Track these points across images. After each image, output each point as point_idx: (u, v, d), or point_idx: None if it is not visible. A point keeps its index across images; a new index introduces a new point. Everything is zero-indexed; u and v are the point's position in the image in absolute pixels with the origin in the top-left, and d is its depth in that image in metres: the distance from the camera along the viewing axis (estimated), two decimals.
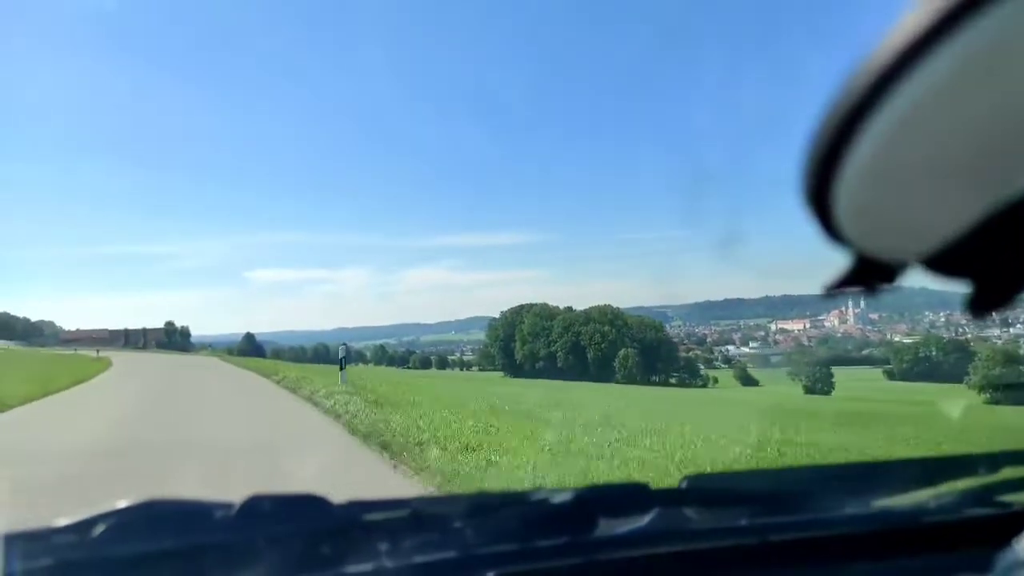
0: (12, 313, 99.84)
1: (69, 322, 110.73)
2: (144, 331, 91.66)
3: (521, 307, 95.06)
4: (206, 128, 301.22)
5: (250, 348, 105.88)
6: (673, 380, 75.97)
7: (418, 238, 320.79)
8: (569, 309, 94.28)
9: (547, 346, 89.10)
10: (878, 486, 1.33)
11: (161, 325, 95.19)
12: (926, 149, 0.46)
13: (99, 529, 0.90)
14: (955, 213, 0.50)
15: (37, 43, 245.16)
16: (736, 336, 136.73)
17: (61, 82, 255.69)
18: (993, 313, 0.59)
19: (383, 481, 6.37)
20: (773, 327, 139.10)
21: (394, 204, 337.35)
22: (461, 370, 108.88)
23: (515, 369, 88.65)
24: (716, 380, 76.68)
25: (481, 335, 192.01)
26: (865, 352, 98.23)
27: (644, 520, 1.11)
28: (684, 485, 1.22)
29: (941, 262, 0.56)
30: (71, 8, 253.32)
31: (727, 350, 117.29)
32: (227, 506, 0.96)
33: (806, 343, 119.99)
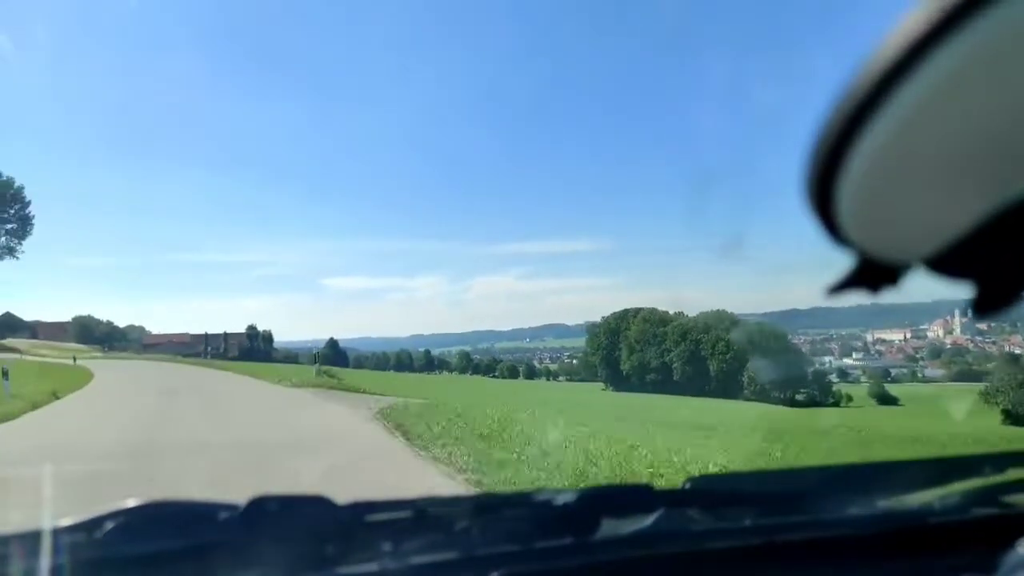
0: (95, 316, 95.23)
1: (157, 327, 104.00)
2: (225, 335, 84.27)
3: (626, 311, 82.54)
4: (286, 139, 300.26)
5: (334, 355, 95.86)
6: (800, 397, 61.28)
7: (489, 245, 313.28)
8: (680, 314, 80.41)
9: (660, 356, 75.45)
10: (882, 487, 1.31)
11: (243, 330, 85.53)
12: (929, 150, 0.45)
13: (105, 529, 0.90)
14: (958, 213, 0.50)
15: (128, 50, 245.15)
16: (834, 347, 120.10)
17: (152, 91, 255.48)
18: (997, 314, 0.58)
19: None
20: (869, 337, 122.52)
21: (465, 212, 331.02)
22: (548, 379, 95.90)
23: (620, 380, 76.15)
24: (850, 398, 61.76)
25: (556, 343, 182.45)
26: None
27: (648, 521, 1.09)
28: (688, 486, 1.22)
29: (944, 263, 0.55)
30: (155, 13, 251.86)
31: (826, 362, 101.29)
32: (232, 507, 0.96)
33: (912, 354, 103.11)
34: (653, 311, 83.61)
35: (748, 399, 56.85)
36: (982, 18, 0.38)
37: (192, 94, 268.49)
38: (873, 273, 0.58)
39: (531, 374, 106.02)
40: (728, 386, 65.99)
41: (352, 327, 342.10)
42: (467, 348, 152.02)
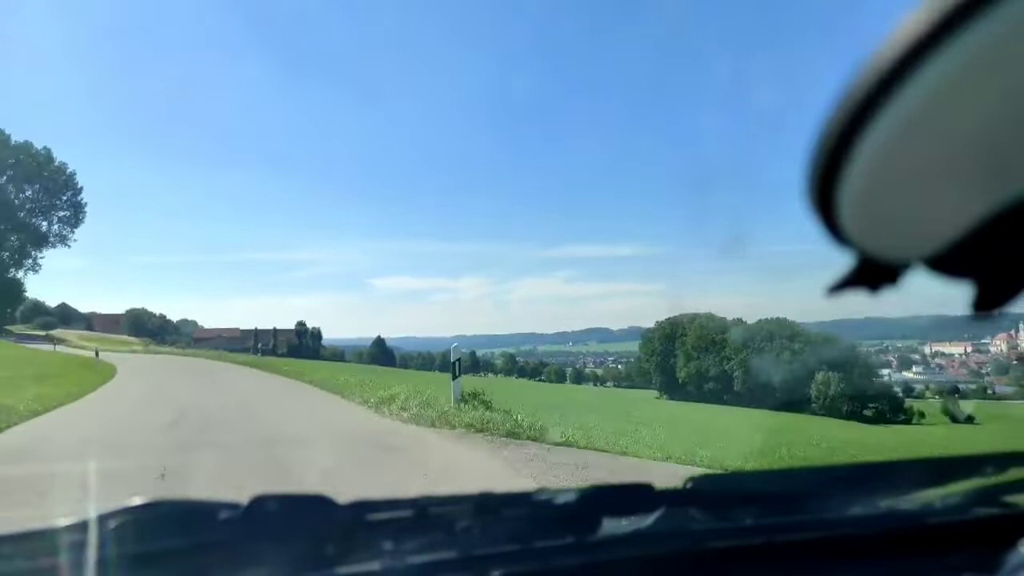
0: (149, 309, 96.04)
1: (210, 323, 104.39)
2: (274, 331, 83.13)
3: (681, 317, 78.42)
4: (339, 142, 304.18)
5: (380, 354, 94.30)
6: (869, 412, 56.74)
7: (534, 249, 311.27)
8: (739, 321, 76.20)
9: (719, 364, 71.25)
10: (884, 487, 1.31)
11: (291, 326, 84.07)
12: (930, 149, 0.45)
13: (105, 528, 0.89)
14: (959, 213, 0.50)
15: (187, 55, 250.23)
16: (890, 359, 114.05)
17: (211, 96, 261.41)
18: (996, 312, 0.58)
19: None
20: (927, 350, 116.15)
21: (510, 216, 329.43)
22: (594, 384, 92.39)
23: (675, 388, 72.24)
24: (922, 415, 56.99)
25: (599, 347, 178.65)
26: None
27: (649, 520, 1.09)
28: (689, 485, 1.21)
29: (945, 262, 0.55)
30: (208, 17, 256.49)
31: (884, 375, 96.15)
32: (233, 506, 0.95)
33: (976, 368, 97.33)
34: (711, 317, 79.22)
35: (816, 413, 52.42)
36: (982, 19, 0.38)
37: (250, 98, 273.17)
38: (873, 273, 0.58)
39: (579, 378, 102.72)
40: (794, 398, 61.73)
41: (396, 326, 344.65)
42: (510, 350, 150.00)
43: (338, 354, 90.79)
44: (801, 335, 69.35)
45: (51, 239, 75.26)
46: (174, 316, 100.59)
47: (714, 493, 1.27)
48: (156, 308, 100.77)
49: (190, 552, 0.92)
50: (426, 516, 1.04)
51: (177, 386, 19.32)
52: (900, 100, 0.43)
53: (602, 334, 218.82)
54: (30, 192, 74.12)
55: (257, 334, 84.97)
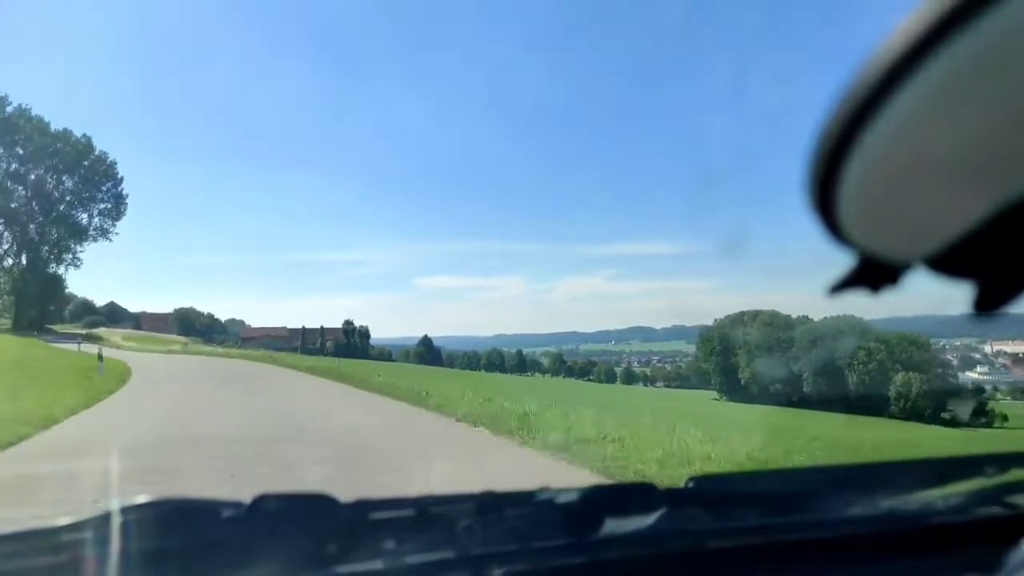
0: (197, 308, 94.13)
1: (257, 321, 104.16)
2: (322, 330, 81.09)
3: (742, 314, 73.97)
4: (385, 141, 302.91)
5: (427, 353, 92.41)
6: (946, 415, 51.58)
7: (574, 246, 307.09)
8: (804, 319, 71.35)
9: (785, 364, 66.25)
10: (885, 487, 1.30)
11: (338, 325, 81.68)
12: (930, 149, 0.45)
13: (108, 527, 0.90)
14: (959, 213, 0.50)
15: (239, 56, 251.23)
16: (950, 358, 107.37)
17: (259, 97, 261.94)
18: (996, 312, 0.57)
19: None
20: (988, 348, 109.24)
21: (549, 213, 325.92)
22: (644, 384, 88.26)
23: (736, 390, 67.29)
24: (1005, 417, 51.61)
25: (642, 346, 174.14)
26: None
27: (650, 519, 1.09)
28: (690, 485, 1.22)
29: (945, 262, 0.55)
30: (265, 21, 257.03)
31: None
32: (236, 505, 0.96)
33: None
34: (774, 314, 74.36)
35: (895, 417, 48.96)
36: (983, 18, 0.38)
37: (299, 98, 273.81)
38: (874, 272, 0.58)
39: (630, 379, 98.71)
40: (871, 401, 56.85)
41: (438, 325, 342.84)
42: (552, 349, 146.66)
43: (385, 354, 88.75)
44: (871, 332, 64.30)
45: (91, 232, 72.07)
46: (222, 316, 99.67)
47: (715, 493, 1.27)
48: (205, 308, 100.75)
49: (193, 550, 0.92)
50: (428, 515, 1.04)
51: (196, 418, 12.29)
52: (900, 100, 0.42)
53: (645, 333, 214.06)
54: (70, 183, 70.73)
55: (304, 333, 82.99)
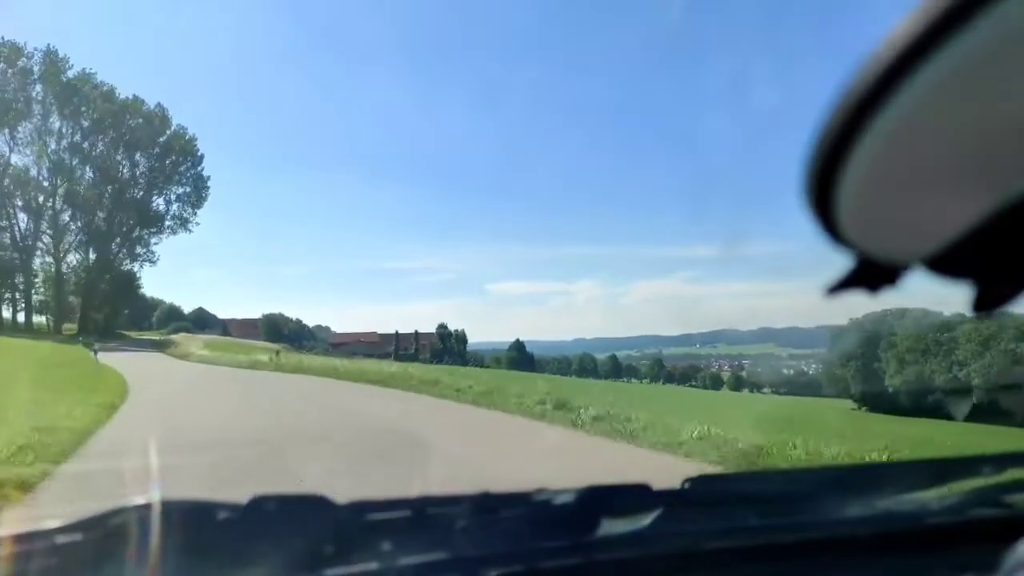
0: (285, 314, 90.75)
1: (337, 328, 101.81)
2: (416, 335, 74.63)
3: (885, 312, 62.05)
4: (459, 150, 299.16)
5: (520, 358, 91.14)
6: None
7: (649, 249, 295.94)
8: (962, 317, 59.37)
9: (947, 370, 54.64)
10: (882, 488, 1.30)
11: (433, 330, 74.63)
12: (928, 150, 0.45)
13: (105, 528, 0.92)
14: (958, 213, 0.49)
15: (325, 67, 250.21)
16: None
17: (354, 105, 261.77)
18: (995, 312, 0.57)
19: None
20: None
21: (623, 216, 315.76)
22: (751, 391, 77.96)
23: (882, 399, 55.28)
24: None
25: (728, 349, 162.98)
26: None
27: (647, 520, 1.09)
28: (686, 486, 1.21)
29: (943, 262, 0.54)
30: (346, 31, 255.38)
31: None
32: (233, 506, 0.97)
33: None
34: (925, 312, 63.59)
35: None
36: (982, 18, 0.37)
37: (385, 109, 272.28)
38: (872, 273, 0.58)
39: (738, 385, 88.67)
40: None
41: (515, 331, 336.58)
42: (635, 352, 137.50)
43: (478, 359, 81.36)
44: None
45: (168, 222, 62.80)
46: (309, 322, 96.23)
47: (712, 494, 1.27)
48: (290, 313, 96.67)
49: (189, 551, 0.93)
50: (424, 516, 1.04)
51: None
52: (898, 100, 0.42)
53: (730, 336, 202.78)
54: (143, 162, 60.73)
55: (398, 338, 76.23)
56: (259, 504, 0.96)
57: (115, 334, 57.41)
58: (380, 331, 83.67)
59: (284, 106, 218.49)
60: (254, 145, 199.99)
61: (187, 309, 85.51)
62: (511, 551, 1.01)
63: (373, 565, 0.93)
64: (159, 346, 44.58)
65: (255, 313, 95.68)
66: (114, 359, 27.93)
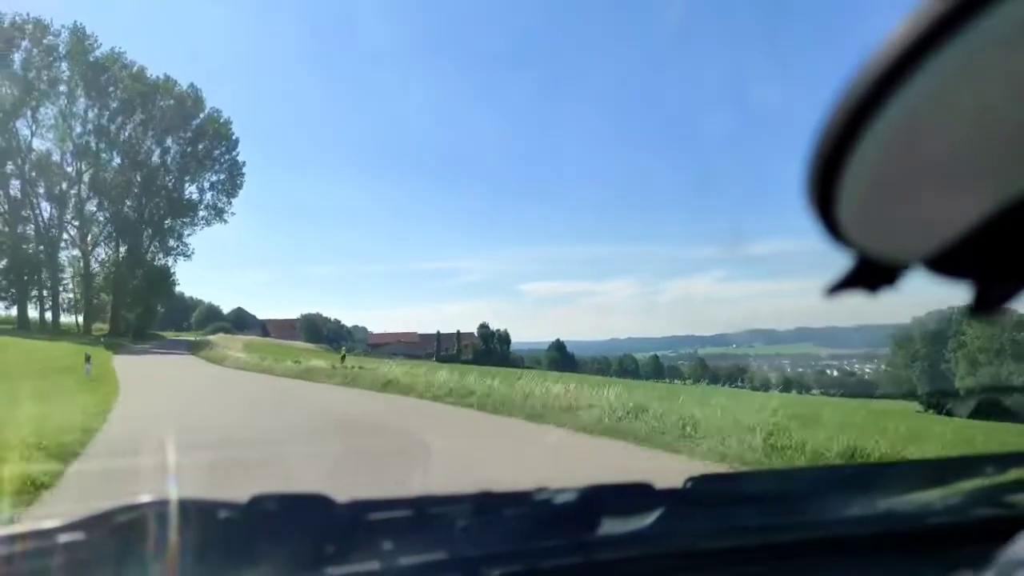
0: (324, 315, 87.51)
1: (377, 328, 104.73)
2: (458, 335, 72.88)
3: (951, 310, 57.12)
4: (495, 152, 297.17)
5: (561, 358, 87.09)
6: None
7: (682, 248, 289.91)
8: None
9: None
10: (882, 488, 1.30)
11: (468, 329, 71.43)
12: (930, 150, 0.45)
13: (106, 527, 0.91)
14: (959, 214, 0.49)
15: (368, 70, 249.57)
16: None
17: (396, 110, 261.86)
18: (995, 313, 0.57)
19: None
20: None
21: (654, 215, 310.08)
22: (800, 392, 72.19)
23: (952, 403, 49.90)
24: None
25: (766, 349, 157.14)
26: None
27: (648, 520, 1.09)
28: (688, 485, 1.21)
29: (944, 262, 0.54)
30: (390, 37, 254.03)
31: None
32: (233, 505, 0.97)
33: None
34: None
35: None
36: (982, 19, 0.37)
37: (425, 112, 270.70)
38: (873, 273, 0.58)
39: (787, 386, 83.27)
40: None
41: (548, 331, 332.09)
42: (670, 352, 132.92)
43: (518, 361, 78.30)
44: None
45: (202, 212, 57.65)
46: (348, 322, 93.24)
47: (713, 494, 1.26)
48: (328, 314, 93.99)
49: (191, 550, 0.92)
50: (425, 516, 1.04)
51: None
52: (900, 100, 0.42)
53: (767, 336, 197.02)
54: (174, 147, 55.47)
55: (440, 338, 72.77)
56: (260, 503, 0.96)
57: (149, 335, 54.32)
58: (419, 331, 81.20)
59: (320, 106, 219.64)
60: (288, 145, 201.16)
61: (226, 310, 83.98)
62: (512, 550, 1.00)
63: (374, 564, 0.93)
64: (194, 348, 40.33)
65: (290, 313, 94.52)
66: (132, 365, 23.95)
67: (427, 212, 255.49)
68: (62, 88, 50.24)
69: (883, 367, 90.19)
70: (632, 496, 1.17)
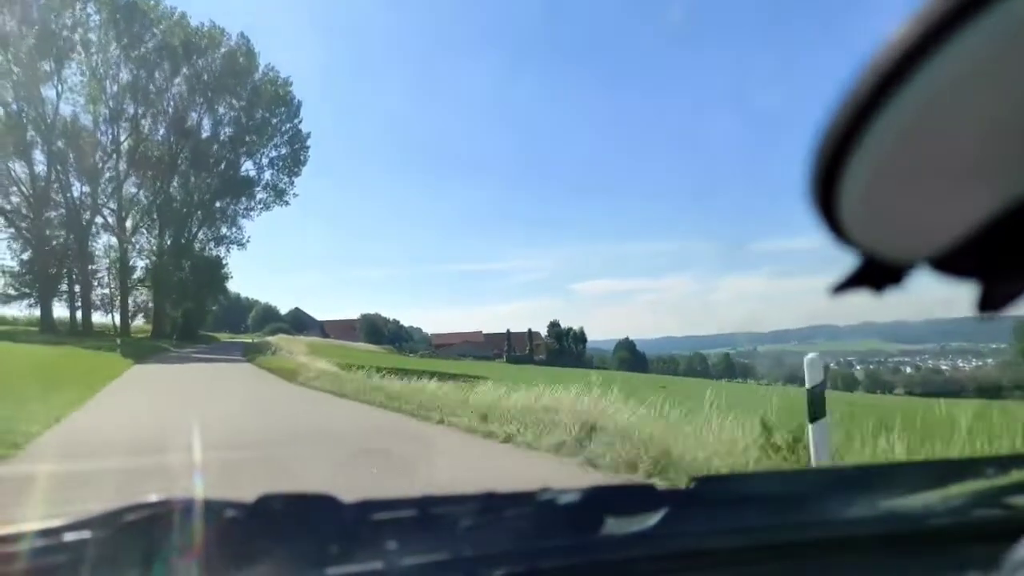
0: (383, 315, 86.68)
1: (434, 330, 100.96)
2: (529, 333, 69.22)
3: None
4: (546, 152, 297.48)
5: (631, 358, 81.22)
6: None
7: (736, 244, 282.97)
8: None
9: None
10: (886, 488, 1.28)
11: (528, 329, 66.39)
12: (933, 149, 0.45)
13: (110, 526, 0.91)
14: (962, 213, 0.49)
15: (423, 73, 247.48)
16: None
17: (451, 108, 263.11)
18: (1000, 312, 0.56)
19: None
20: None
21: (707, 211, 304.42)
22: (883, 392, 62.45)
23: None
24: None
25: (827, 346, 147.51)
26: None
27: (652, 520, 1.09)
28: (692, 486, 1.22)
29: (948, 262, 0.54)
30: (438, 42, 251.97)
31: None
32: (239, 504, 0.97)
33: None
34: None
35: None
36: (983, 18, 0.37)
37: (477, 112, 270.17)
38: (877, 273, 0.57)
39: (872, 386, 75.75)
40: None
41: (604, 329, 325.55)
42: (729, 350, 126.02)
43: (588, 360, 77.35)
44: None
45: (260, 193, 47.96)
46: (405, 323, 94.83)
47: (717, 494, 1.26)
48: (387, 314, 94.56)
49: (195, 551, 0.92)
50: (430, 516, 1.04)
51: None
52: (903, 99, 0.42)
53: (828, 331, 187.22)
54: (227, 114, 45.52)
55: (510, 337, 65.50)
56: (266, 503, 0.96)
57: (200, 336, 47.41)
58: (483, 331, 78.00)
59: (379, 108, 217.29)
60: (346, 147, 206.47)
61: (283, 310, 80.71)
62: (516, 550, 1.00)
63: (378, 564, 0.94)
64: (250, 352, 31.51)
65: (346, 315, 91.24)
66: (133, 390, 14.65)
67: (484, 213, 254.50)
68: (92, 36, 40.60)
69: (985, 363, 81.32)
70: (635, 496, 1.18)
